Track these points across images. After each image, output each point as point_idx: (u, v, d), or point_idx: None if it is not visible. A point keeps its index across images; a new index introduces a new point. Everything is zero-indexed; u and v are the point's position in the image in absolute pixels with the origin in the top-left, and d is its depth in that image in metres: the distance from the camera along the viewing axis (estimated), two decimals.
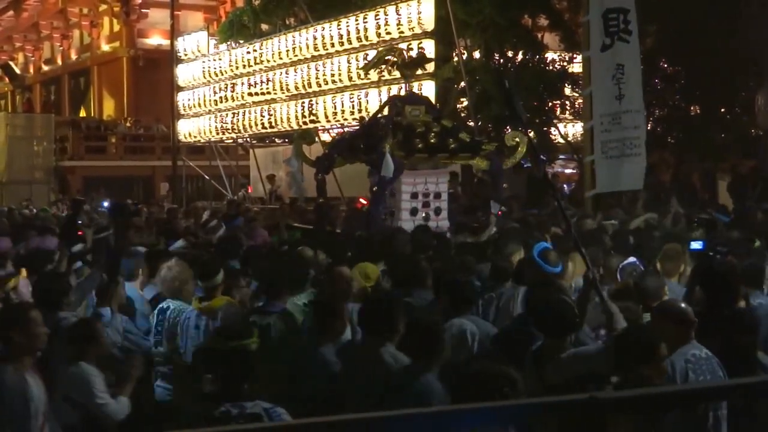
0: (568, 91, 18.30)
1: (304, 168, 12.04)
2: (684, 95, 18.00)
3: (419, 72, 13.46)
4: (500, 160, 11.39)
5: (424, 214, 10.93)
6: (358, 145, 11.38)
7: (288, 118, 18.77)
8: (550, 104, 18.44)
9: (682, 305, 5.23)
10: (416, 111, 11.20)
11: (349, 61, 16.96)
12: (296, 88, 18.44)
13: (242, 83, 20.45)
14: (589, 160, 14.46)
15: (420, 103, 11.53)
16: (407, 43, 14.85)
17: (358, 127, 13.10)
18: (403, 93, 12.33)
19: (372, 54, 15.53)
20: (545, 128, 17.73)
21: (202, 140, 23.29)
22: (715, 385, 4.40)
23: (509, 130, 13.83)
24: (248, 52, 20.14)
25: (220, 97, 21.43)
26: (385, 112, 11.69)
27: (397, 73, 15.14)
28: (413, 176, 10.90)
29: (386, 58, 12.11)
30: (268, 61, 19.38)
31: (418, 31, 15.37)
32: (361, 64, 16.35)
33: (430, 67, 14.67)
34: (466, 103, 17.78)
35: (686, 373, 4.84)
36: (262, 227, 12.23)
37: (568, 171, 23.26)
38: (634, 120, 13.92)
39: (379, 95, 15.88)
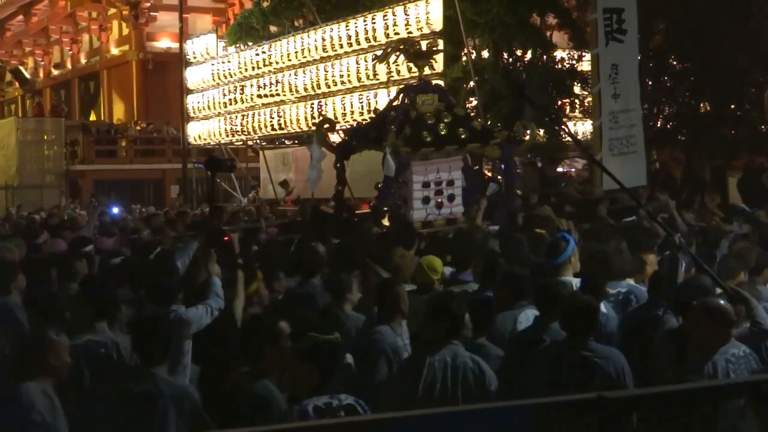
0: (577, 89, 18.26)
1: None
2: (694, 92, 17.95)
3: (428, 72, 13.47)
4: (512, 149, 11.42)
5: (437, 202, 10.98)
6: (372, 135, 11.43)
7: (297, 120, 18.83)
8: (559, 102, 18.40)
9: (722, 303, 5.13)
10: (429, 100, 11.22)
11: (357, 62, 17.01)
12: (305, 89, 18.50)
13: (251, 85, 20.51)
14: (597, 158, 14.44)
15: (432, 91, 11.55)
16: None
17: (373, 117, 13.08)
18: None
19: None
20: (555, 126, 17.69)
21: (212, 142, 23.34)
22: (726, 383, 4.39)
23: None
24: (257, 54, 20.19)
25: (230, 100, 21.49)
26: (398, 102, 11.73)
27: (406, 73, 15.22)
28: (424, 165, 10.95)
29: (400, 47, 12.11)
30: (277, 62, 19.44)
31: (426, 31, 15.42)
32: (370, 65, 16.42)
33: (439, 66, 14.69)
34: (475, 102, 17.78)
35: (728, 373, 4.82)
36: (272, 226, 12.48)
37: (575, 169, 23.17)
38: (629, 119, 14.01)
39: (389, 95, 15.90)
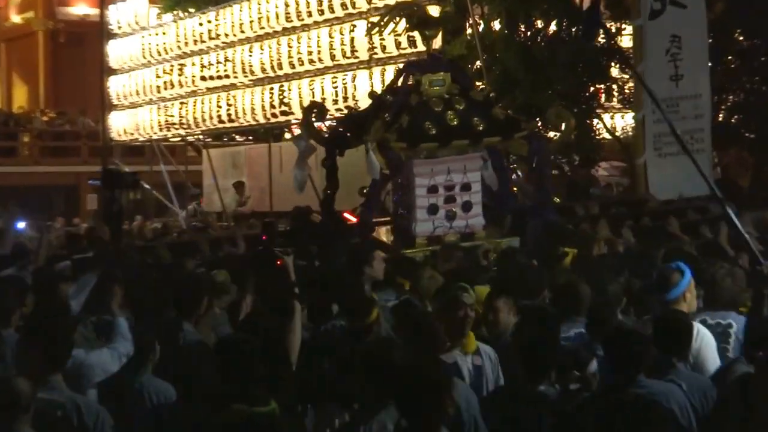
0: (615, 72, 18.24)
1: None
2: (765, 76, 17.98)
3: (422, 48, 13.40)
4: (543, 143, 11.34)
5: (448, 212, 10.86)
6: (366, 124, 11.34)
7: (252, 109, 18.74)
8: (592, 89, 18.37)
9: None
10: (439, 81, 11.10)
11: (331, 35, 16.91)
12: (263, 69, 18.43)
13: (193, 64, 20.47)
14: (641, 162, 14.39)
15: (444, 69, 11.45)
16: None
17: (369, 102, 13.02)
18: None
19: (361, 25, 15.50)
20: (587, 119, 17.65)
21: (141, 138, 23.29)
22: None
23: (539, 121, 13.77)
24: (200, 24, 20.15)
25: (165, 83, 21.43)
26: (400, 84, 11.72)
27: (393, 49, 15.14)
28: (430, 165, 10.87)
29: (406, 13, 12.04)
30: (227, 35, 19.38)
31: None
32: (347, 38, 16.33)
33: (436, 41, 14.63)
34: (482, 87, 17.75)
35: None
36: None
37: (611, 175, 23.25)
38: (695, 107, 13.94)
39: (371, 78, 15.81)
